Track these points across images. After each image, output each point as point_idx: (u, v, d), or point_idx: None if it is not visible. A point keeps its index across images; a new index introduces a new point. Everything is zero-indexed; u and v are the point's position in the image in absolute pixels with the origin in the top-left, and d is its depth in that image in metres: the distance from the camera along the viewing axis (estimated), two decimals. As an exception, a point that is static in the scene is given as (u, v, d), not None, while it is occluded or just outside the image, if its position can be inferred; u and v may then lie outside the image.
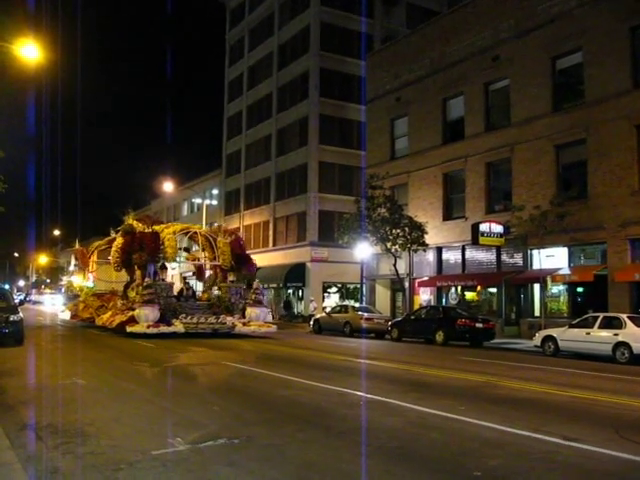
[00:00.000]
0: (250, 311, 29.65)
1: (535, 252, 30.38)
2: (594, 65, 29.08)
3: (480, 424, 9.16)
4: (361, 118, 49.35)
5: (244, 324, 28.99)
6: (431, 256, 37.50)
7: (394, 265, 35.38)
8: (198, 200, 70.57)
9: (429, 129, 38.38)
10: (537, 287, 31.24)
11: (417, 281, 38.16)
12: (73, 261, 43.52)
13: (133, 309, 27.50)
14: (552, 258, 30.33)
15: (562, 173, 30.84)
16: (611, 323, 21.89)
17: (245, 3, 67.21)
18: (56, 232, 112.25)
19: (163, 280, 30.64)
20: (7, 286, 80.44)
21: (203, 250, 34.04)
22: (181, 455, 7.19)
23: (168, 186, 61.29)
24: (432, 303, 36.57)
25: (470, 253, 35.51)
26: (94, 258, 38.13)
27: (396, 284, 39.35)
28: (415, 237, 34.78)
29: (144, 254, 28.84)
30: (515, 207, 30.24)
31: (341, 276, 50.70)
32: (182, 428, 8.48)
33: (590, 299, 28.63)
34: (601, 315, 22.58)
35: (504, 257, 33.62)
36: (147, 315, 26.19)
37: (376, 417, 9.69)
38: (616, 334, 21.19)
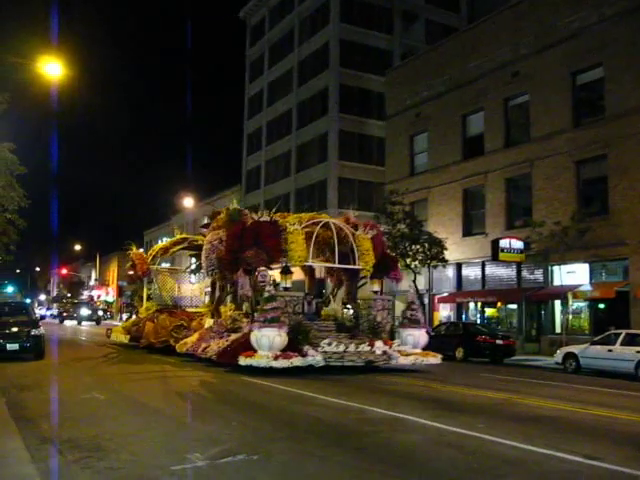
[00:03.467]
0: (406, 334, 21.88)
1: (556, 268, 30.19)
2: (614, 80, 28.96)
3: (499, 441, 9.07)
4: (380, 134, 49.42)
5: (401, 353, 20.79)
6: (451, 272, 37.34)
7: (413, 281, 35.28)
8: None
9: (449, 145, 38.33)
10: (558, 303, 30.98)
11: (437, 297, 38.01)
12: (123, 270, 39.76)
13: (236, 330, 20.98)
14: (573, 274, 30.10)
15: (583, 189, 30.65)
16: (634, 340, 21.65)
17: (265, 20, 67.72)
18: (77, 247, 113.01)
19: (286, 289, 21.73)
20: (28, 300, 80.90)
21: (320, 250, 24.44)
22: (200, 471, 7.18)
23: (188, 202, 61.58)
24: (452, 319, 36.39)
25: (490, 269, 35.32)
26: (156, 264, 32.72)
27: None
28: (435, 253, 34.64)
29: (261, 252, 20.89)
30: (535, 223, 30.04)
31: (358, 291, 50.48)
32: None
33: (612, 316, 28.32)
34: (623, 332, 22.35)
35: (524, 273, 33.40)
36: (272, 340, 18.23)
37: (395, 434, 9.65)
38: (639, 351, 20.95)
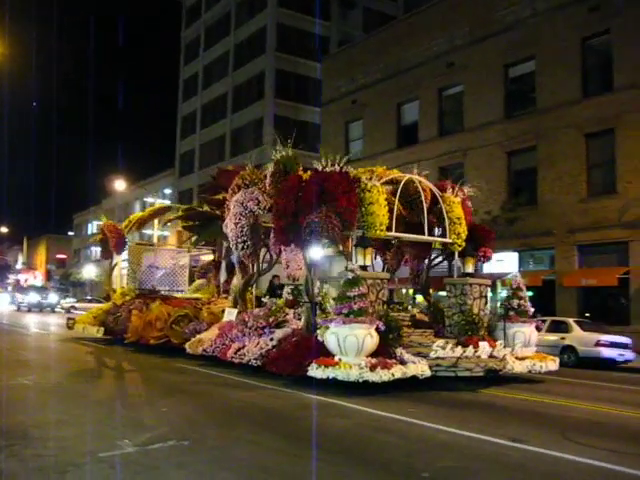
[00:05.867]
0: (513, 331, 16.43)
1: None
2: (546, 74, 29.61)
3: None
4: (316, 120, 49.44)
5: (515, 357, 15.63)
6: (380, 260, 37.59)
7: (346, 267, 35.41)
8: (150, 199, 69.86)
9: (384, 133, 38.57)
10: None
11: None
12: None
13: (279, 325, 16.14)
14: (502, 263, 30.75)
15: (513, 179, 31.32)
16: (558, 327, 22.33)
17: (202, 1, 66.80)
18: (3, 229, 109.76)
19: (365, 269, 15.29)
20: None
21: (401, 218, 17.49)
22: (129, 457, 7.05)
23: (120, 184, 60.52)
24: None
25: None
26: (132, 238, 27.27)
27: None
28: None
29: (332, 215, 14.31)
30: (467, 212, 30.42)
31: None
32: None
33: (539, 303, 29.04)
34: (549, 319, 22.97)
35: (455, 261, 33.89)
36: (361, 341, 12.82)
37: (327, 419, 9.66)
38: (563, 338, 21.65)
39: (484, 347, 15.01)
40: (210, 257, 27.34)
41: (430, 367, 13.63)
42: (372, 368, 12.39)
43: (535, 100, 30.39)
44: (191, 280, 27.37)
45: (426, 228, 17.07)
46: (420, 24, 37.18)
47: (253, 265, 19.35)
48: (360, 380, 12.16)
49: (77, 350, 20.79)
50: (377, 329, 13.15)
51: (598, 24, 27.78)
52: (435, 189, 17.61)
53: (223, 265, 23.15)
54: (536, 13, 30.42)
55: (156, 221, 29.67)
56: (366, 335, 12.84)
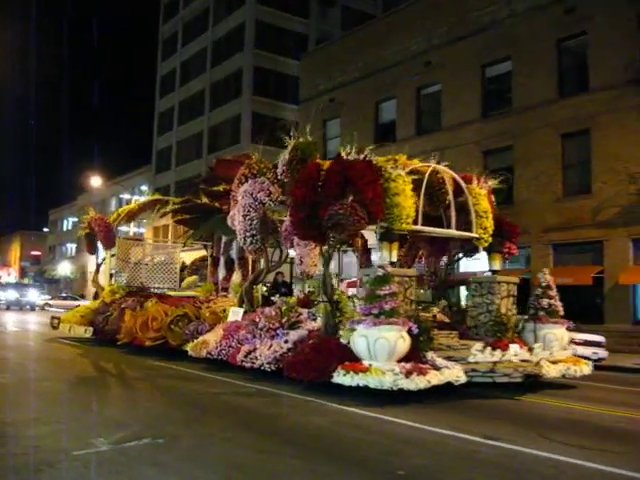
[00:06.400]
0: (543, 332, 15.23)
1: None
2: (522, 74, 29.82)
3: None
4: (294, 118, 49.40)
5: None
6: (353, 258, 37.65)
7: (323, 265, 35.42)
8: (127, 196, 69.44)
9: (361, 131, 38.50)
10: (463, 289, 31.74)
11: (345, 282, 38.30)
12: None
13: (293, 327, 14.78)
14: (478, 261, 30.87)
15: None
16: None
17: (180, -3, 66.51)
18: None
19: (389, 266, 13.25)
20: None
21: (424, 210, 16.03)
22: (103, 455, 6.99)
23: (96, 181, 60.08)
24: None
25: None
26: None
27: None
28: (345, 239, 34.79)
29: (357, 206, 13.09)
30: (444, 211, 30.57)
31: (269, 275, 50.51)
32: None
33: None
34: (522, 318, 23.05)
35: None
36: (393, 345, 11.59)
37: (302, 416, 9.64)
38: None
39: (515, 350, 13.89)
40: (201, 253, 26.65)
41: (465, 372, 12.39)
42: (407, 374, 11.11)
43: (512, 100, 30.60)
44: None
45: (454, 222, 15.93)
46: (398, 23, 37.26)
47: (260, 261, 18.26)
48: (394, 388, 10.89)
49: (61, 350, 19.90)
50: (409, 331, 11.86)
51: (574, 25, 28.01)
52: (460, 180, 16.43)
53: (222, 261, 22.16)
54: (513, 14, 30.63)
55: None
56: (398, 338, 11.61)
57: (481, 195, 16.48)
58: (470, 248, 17.51)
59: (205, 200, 22.12)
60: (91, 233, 25.64)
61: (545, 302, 15.67)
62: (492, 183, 17.48)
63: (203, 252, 26.86)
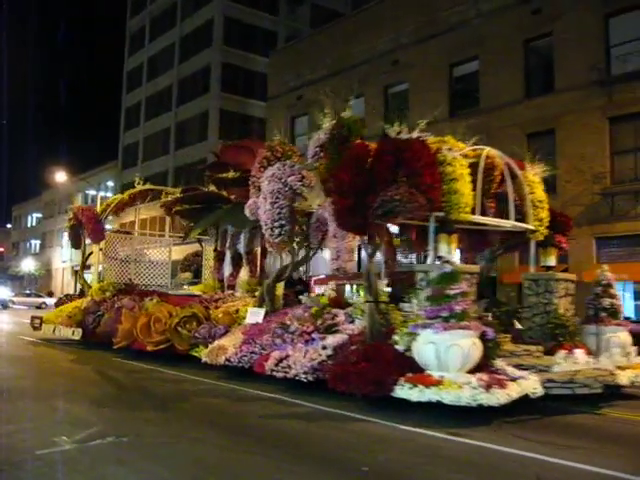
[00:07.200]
0: (607, 335, 13.58)
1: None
2: (490, 74, 30.09)
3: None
4: (262, 115, 49.30)
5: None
6: (327, 255, 37.74)
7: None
8: (93, 192, 68.73)
9: (330, 129, 38.60)
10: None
11: (313, 279, 38.37)
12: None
13: (329, 330, 12.99)
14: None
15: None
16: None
17: (147, -9, 65.95)
18: None
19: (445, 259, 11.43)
20: None
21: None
22: (67, 454, 6.93)
23: (61, 176, 59.28)
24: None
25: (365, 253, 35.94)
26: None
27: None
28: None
29: (416, 192, 11.49)
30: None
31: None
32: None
33: (480, 298, 29.55)
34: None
35: (398, 257, 34.21)
36: (466, 353, 10.02)
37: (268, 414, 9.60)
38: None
39: (580, 356, 12.37)
40: (194, 247, 25.62)
41: (545, 385, 10.72)
42: (487, 388, 9.44)
43: (479, 100, 30.87)
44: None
45: (512, 212, 14.16)
46: (367, 21, 37.34)
47: (280, 255, 16.79)
48: (472, 404, 9.27)
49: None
50: (483, 336, 10.34)
51: (540, 26, 28.34)
52: (515, 166, 14.96)
53: (228, 256, 20.38)
54: (480, 14, 30.90)
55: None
56: (471, 345, 10.04)
57: (535, 183, 15.04)
58: (514, 242, 16.00)
59: (212, 188, 20.43)
60: (76, 225, 23.78)
61: (607, 302, 13.98)
62: (545, 170, 15.94)
63: (196, 247, 25.69)
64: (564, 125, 27.18)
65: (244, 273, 18.67)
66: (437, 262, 11.39)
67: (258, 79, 52.81)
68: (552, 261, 15.35)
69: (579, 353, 12.45)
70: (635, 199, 25.47)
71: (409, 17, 34.34)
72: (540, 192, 14.98)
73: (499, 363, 10.75)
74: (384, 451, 7.59)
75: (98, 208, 24.50)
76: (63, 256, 75.62)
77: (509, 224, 14.39)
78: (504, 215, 14.42)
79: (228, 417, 9.58)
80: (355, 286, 30.59)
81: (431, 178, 11.74)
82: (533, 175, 15.18)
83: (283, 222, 14.59)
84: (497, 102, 29.68)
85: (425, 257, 14.65)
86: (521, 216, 14.49)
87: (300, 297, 16.25)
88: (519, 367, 11.12)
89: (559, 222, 15.64)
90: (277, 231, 14.66)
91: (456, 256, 12.02)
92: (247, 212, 15.85)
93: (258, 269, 19.08)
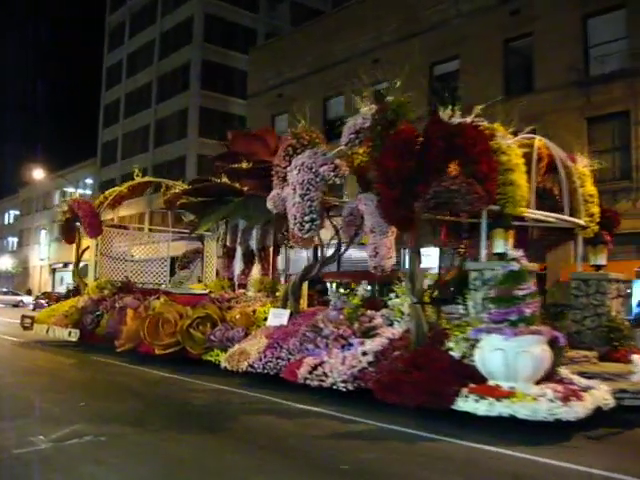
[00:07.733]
0: None
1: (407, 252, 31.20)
2: (470, 73, 30.19)
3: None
4: (243, 112, 49.18)
5: None
6: (306, 254, 37.71)
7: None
8: (71, 189, 68.19)
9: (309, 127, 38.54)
10: (409, 286, 32.07)
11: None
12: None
13: (367, 333, 12.15)
14: (427, 257, 31.18)
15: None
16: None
17: (127, -14, 65.54)
18: None
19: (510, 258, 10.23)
20: None
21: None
22: (44, 453, 6.85)
23: (38, 173, 58.78)
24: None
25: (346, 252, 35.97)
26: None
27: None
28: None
29: (474, 182, 10.44)
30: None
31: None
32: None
33: (456, 295, 29.68)
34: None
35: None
36: (537, 361, 8.99)
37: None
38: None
39: (638, 362, 11.11)
40: (193, 244, 24.77)
41: (618, 398, 9.66)
42: (565, 400, 8.47)
43: (460, 99, 30.92)
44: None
45: (567, 207, 13.10)
46: (348, 19, 37.34)
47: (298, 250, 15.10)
48: (550, 419, 8.28)
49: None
50: (553, 342, 9.31)
51: (520, 27, 28.51)
52: (566, 158, 14.01)
53: (239, 253, 19.28)
54: (460, 14, 31.03)
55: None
56: (540, 352, 9.02)
57: (586, 176, 14.11)
58: (555, 239, 15.18)
59: (225, 180, 18.91)
60: (71, 219, 22.61)
61: None
62: (595, 162, 14.94)
63: (195, 243, 24.89)
64: (543, 125, 27.20)
65: (256, 271, 17.87)
66: (498, 261, 10.45)
67: (238, 77, 52.65)
68: (603, 259, 14.19)
69: (636, 359, 11.39)
70: (613, 198, 25.66)
71: (390, 15, 34.37)
72: (590, 186, 14.10)
73: (564, 371, 9.78)
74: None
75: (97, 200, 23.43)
76: (41, 254, 74.96)
77: (566, 220, 13.36)
78: (546, 210, 13.24)
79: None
80: (335, 284, 30.19)
81: (488, 167, 10.68)
82: (583, 167, 14.29)
83: (314, 216, 13.25)
84: (477, 101, 29.72)
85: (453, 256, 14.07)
86: (569, 211, 13.42)
87: (327, 297, 14.93)
88: (583, 375, 10.06)
89: (607, 218, 14.53)
90: (307, 226, 13.22)
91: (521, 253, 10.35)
92: (270, 205, 14.47)
93: (271, 267, 18.28)
